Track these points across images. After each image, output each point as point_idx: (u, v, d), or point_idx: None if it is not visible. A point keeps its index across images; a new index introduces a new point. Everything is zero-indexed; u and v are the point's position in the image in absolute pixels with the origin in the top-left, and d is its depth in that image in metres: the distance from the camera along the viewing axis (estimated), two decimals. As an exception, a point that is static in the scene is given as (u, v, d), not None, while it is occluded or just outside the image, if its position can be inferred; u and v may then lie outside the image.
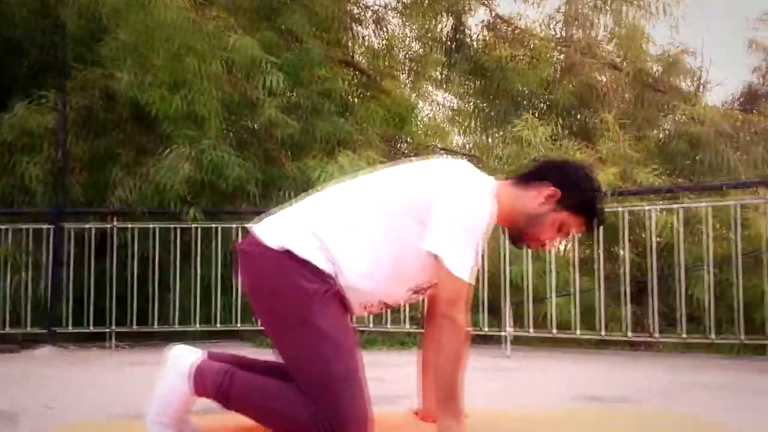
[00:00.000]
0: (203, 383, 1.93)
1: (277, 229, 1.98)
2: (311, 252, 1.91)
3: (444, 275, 1.88)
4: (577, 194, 2.02)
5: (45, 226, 5.39)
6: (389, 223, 1.95)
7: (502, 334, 4.82)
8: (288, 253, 1.91)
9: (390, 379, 3.39)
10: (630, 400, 2.78)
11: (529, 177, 2.07)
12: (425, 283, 2.00)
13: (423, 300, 2.22)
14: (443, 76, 8.83)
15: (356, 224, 1.96)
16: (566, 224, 2.03)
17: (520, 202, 2.03)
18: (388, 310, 5.05)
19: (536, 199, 2.01)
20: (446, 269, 1.86)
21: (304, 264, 1.90)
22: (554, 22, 7.95)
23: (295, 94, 6.50)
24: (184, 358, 1.98)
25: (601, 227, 4.71)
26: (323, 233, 1.94)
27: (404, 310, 5.09)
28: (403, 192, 1.98)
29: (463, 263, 1.87)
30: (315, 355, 1.86)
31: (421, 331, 5.02)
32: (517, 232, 2.06)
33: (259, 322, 2.01)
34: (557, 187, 2.01)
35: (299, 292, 1.88)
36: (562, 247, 6.20)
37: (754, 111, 8.26)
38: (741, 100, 10.32)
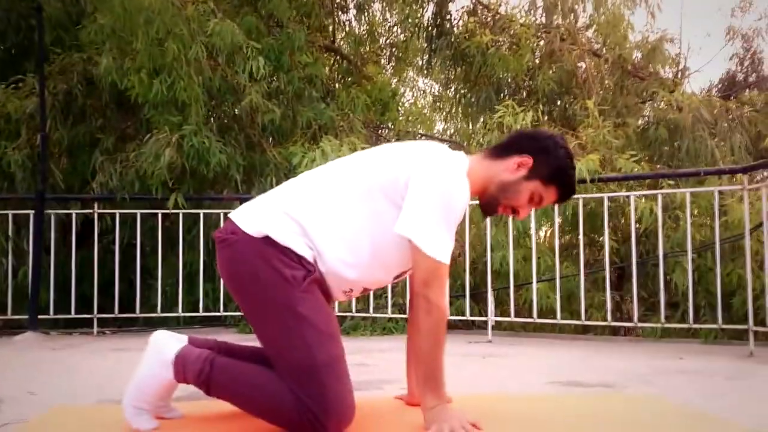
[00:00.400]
0: (184, 370, 1.93)
1: (256, 215, 1.97)
2: (291, 238, 1.91)
3: (417, 256, 1.89)
4: (549, 162, 2.04)
5: (26, 212, 5.34)
6: (367, 207, 1.95)
7: (485, 319, 4.86)
8: (267, 240, 1.91)
9: (374, 365, 3.42)
10: (610, 385, 2.83)
11: (501, 148, 2.09)
12: (406, 267, 2.01)
13: (406, 286, 2.23)
14: (425, 62, 8.84)
15: (335, 209, 1.96)
16: (538, 193, 2.06)
17: (493, 171, 2.05)
18: (372, 297, 5.07)
19: (508, 168, 2.04)
20: (419, 249, 1.87)
21: (284, 250, 1.90)
22: (535, 9, 7.98)
23: (277, 80, 6.47)
24: (165, 344, 1.98)
25: (581, 213, 4.77)
26: (302, 219, 1.94)
27: (388, 297, 5.11)
28: (377, 175, 1.98)
29: (437, 243, 1.88)
30: (297, 343, 1.86)
31: (404, 316, 5.09)
32: (489, 200, 2.08)
33: (241, 310, 2.01)
34: (529, 155, 2.03)
35: (280, 279, 1.88)
36: (543, 234, 6.27)
37: (732, 98, 8.36)
38: (720, 87, 10.44)
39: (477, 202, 2.12)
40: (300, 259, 1.90)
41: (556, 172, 2.05)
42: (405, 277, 2.10)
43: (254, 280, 1.90)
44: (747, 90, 9.92)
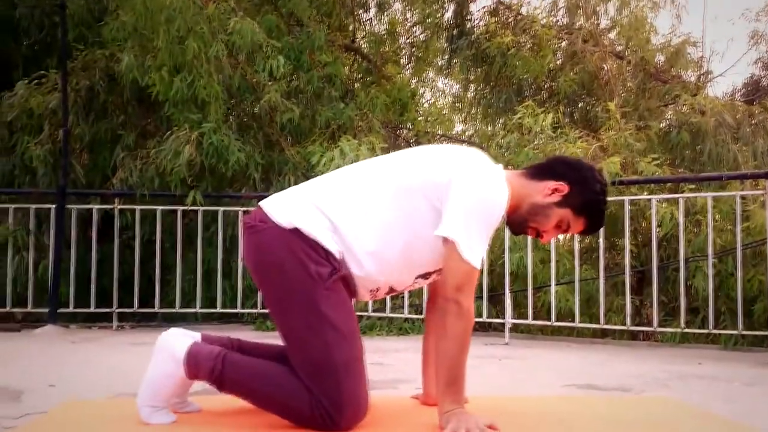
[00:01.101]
0: (196, 367, 1.93)
1: (287, 206, 1.97)
2: (320, 232, 1.90)
3: (455, 260, 1.88)
4: (584, 194, 2.04)
5: (48, 207, 5.40)
6: (401, 207, 1.95)
7: (502, 322, 4.83)
8: (296, 232, 1.90)
9: (390, 365, 3.42)
10: (627, 389, 2.80)
11: (539, 170, 2.09)
12: (433, 268, 2.00)
13: (424, 287, 2.22)
14: (445, 62, 8.82)
15: (368, 207, 1.95)
16: (566, 221, 2.05)
17: (527, 191, 2.04)
18: (388, 297, 5.07)
19: (543, 191, 2.03)
20: (458, 254, 1.86)
21: (312, 244, 1.89)
22: (557, 9, 7.94)
23: (296, 79, 6.49)
24: (177, 342, 1.98)
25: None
26: (333, 214, 1.94)
27: (404, 297, 5.11)
28: (417, 175, 1.97)
29: (475, 249, 1.88)
30: (316, 340, 1.86)
31: (420, 317, 5.08)
32: (518, 219, 2.07)
33: (260, 303, 2.02)
34: (566, 182, 2.02)
35: (305, 274, 1.87)
36: (562, 237, 6.23)
37: (756, 102, 8.26)
38: (743, 91, 10.32)
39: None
40: (327, 255, 1.89)
41: (589, 204, 2.04)
42: (429, 280, 2.09)
43: (279, 271, 1.90)
44: (771, 94, 9.79)
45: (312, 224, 1.90)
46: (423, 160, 2.02)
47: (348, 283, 1.94)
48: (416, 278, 2.05)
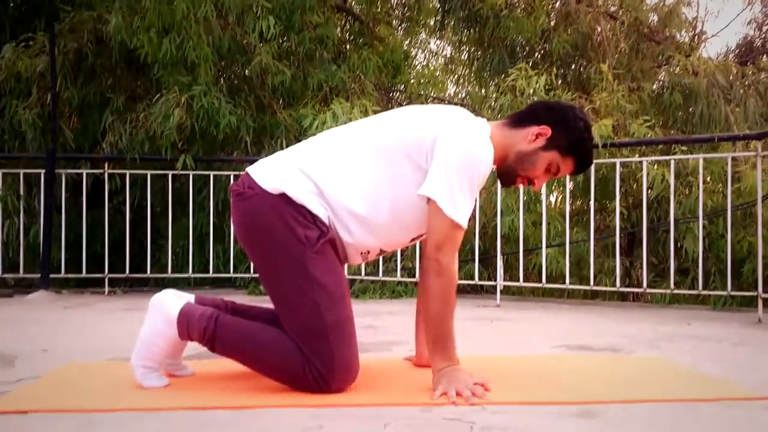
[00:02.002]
0: (188, 327, 1.95)
1: (274, 172, 1.97)
2: (307, 197, 1.91)
3: (437, 218, 1.89)
4: (568, 133, 2.04)
5: (38, 171, 5.36)
6: (387, 170, 1.95)
7: (494, 284, 4.87)
8: (283, 197, 1.91)
9: (382, 327, 3.44)
10: (617, 349, 2.84)
11: (521, 117, 2.08)
12: (424, 229, 2.00)
13: (418, 249, 2.23)
14: (438, 23, 8.72)
15: (353, 170, 1.96)
16: (555, 163, 2.06)
17: (511, 141, 2.04)
18: (381, 260, 5.09)
19: (527, 137, 2.03)
20: (440, 211, 1.87)
21: (300, 209, 1.90)
22: (550, -32, 7.82)
23: (288, 41, 6.41)
24: (169, 302, 2.00)
25: (593, 179, 4.74)
26: (320, 178, 1.94)
27: (397, 261, 5.13)
28: (400, 136, 1.97)
29: (459, 206, 1.88)
30: (306, 303, 1.88)
31: (413, 280, 5.11)
32: (507, 170, 2.08)
33: (253, 267, 2.03)
34: (548, 125, 2.02)
35: (293, 238, 1.88)
36: (553, 199, 6.24)
37: (750, 63, 8.23)
38: (737, 52, 10.27)
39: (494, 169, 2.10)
40: (315, 219, 1.90)
41: (574, 143, 2.04)
42: (420, 239, 2.10)
43: (268, 236, 1.91)
44: (765, 56, 9.76)
45: (299, 189, 1.91)
46: (406, 121, 2.02)
47: (337, 247, 1.95)
48: (408, 239, 2.06)
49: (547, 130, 2.02)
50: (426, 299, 1.94)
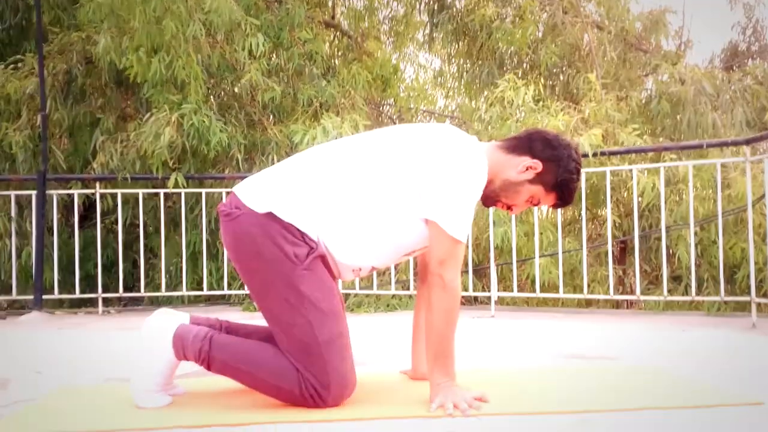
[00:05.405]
0: (184, 348, 1.95)
1: (260, 190, 1.97)
2: (295, 214, 1.91)
3: (439, 236, 1.90)
4: (558, 173, 2.05)
5: (29, 193, 5.35)
6: (378, 186, 1.95)
7: (488, 295, 4.87)
8: (271, 215, 1.91)
9: (378, 341, 3.44)
10: (612, 358, 2.84)
11: (517, 145, 2.09)
12: (419, 246, 2.01)
13: (411, 263, 2.24)
14: (426, 36, 8.77)
15: (343, 188, 1.96)
16: (537, 197, 2.09)
17: (501, 167, 2.06)
18: (375, 274, 5.09)
19: (517, 167, 2.05)
20: (442, 231, 1.89)
21: (287, 226, 1.90)
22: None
23: (276, 57, 6.43)
24: (165, 323, 2.00)
25: (584, 188, 4.76)
26: (308, 196, 1.94)
27: (391, 274, 5.13)
28: (391, 154, 1.98)
29: (459, 224, 1.90)
30: (299, 320, 1.88)
31: (408, 293, 5.09)
32: (490, 194, 2.09)
33: (245, 284, 2.02)
34: (541, 160, 2.04)
35: (282, 256, 1.88)
36: (545, 209, 6.26)
37: (735, 68, 8.30)
38: (722, 56, 10.35)
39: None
40: (303, 236, 1.90)
41: (561, 183, 2.07)
42: (413, 255, 2.11)
43: (257, 256, 1.91)
44: (749, 60, 9.84)
45: (286, 207, 1.91)
46: (396, 139, 2.03)
47: (328, 262, 1.95)
48: (400, 256, 2.07)
49: (538, 165, 2.04)
50: (429, 315, 1.94)
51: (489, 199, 2.11)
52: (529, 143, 2.08)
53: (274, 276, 1.90)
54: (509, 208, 2.12)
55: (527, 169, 2.05)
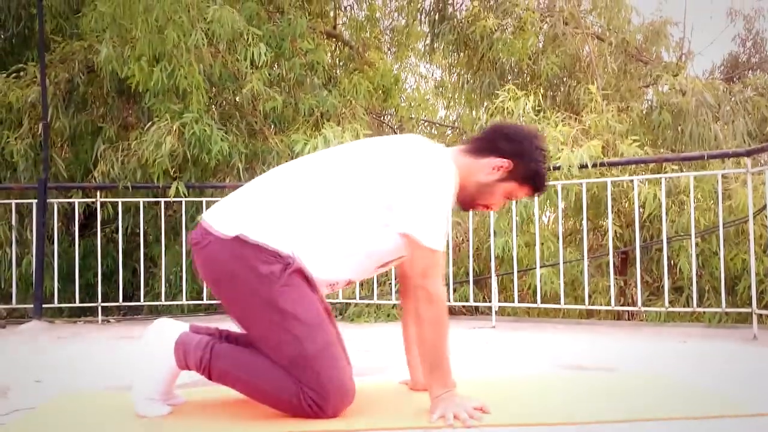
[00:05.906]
0: (185, 356, 1.94)
1: (227, 214, 1.97)
2: (265, 234, 1.89)
3: (418, 249, 1.90)
4: (526, 165, 2.08)
5: (29, 201, 5.35)
6: (347, 201, 1.94)
7: (489, 305, 4.86)
8: (240, 239, 1.89)
9: (378, 350, 3.43)
10: (613, 369, 2.83)
11: (480, 147, 2.11)
12: (394, 257, 2.02)
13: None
14: (427, 47, 8.79)
15: (312, 206, 1.95)
16: (513, 192, 2.13)
17: (471, 171, 2.08)
18: (375, 283, 5.08)
19: (486, 169, 2.06)
20: (418, 243, 1.89)
21: (258, 247, 1.88)
22: (538, -9, 7.92)
23: (278, 67, 6.45)
24: (166, 332, 1.99)
25: (585, 199, 4.76)
26: (278, 215, 1.93)
27: (392, 283, 5.12)
28: (360, 174, 1.97)
29: (434, 233, 1.90)
30: (285, 337, 1.87)
31: (408, 303, 5.04)
32: (466, 199, 2.12)
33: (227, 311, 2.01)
34: (508, 158, 2.05)
35: (256, 277, 1.87)
36: (546, 220, 6.26)
37: (736, 80, 8.32)
38: (723, 68, 10.39)
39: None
40: (276, 254, 1.89)
41: (532, 174, 2.10)
42: (392, 266, 2.11)
43: (233, 281, 1.90)
44: (750, 71, 9.87)
45: (254, 228, 1.90)
46: (364, 153, 2.04)
47: (306, 275, 1.93)
48: (376, 269, 2.07)
49: (507, 163, 2.06)
50: (419, 328, 1.93)
51: (466, 203, 2.14)
52: (492, 143, 2.10)
53: (253, 299, 1.89)
54: (487, 207, 2.17)
55: (498, 170, 2.06)
